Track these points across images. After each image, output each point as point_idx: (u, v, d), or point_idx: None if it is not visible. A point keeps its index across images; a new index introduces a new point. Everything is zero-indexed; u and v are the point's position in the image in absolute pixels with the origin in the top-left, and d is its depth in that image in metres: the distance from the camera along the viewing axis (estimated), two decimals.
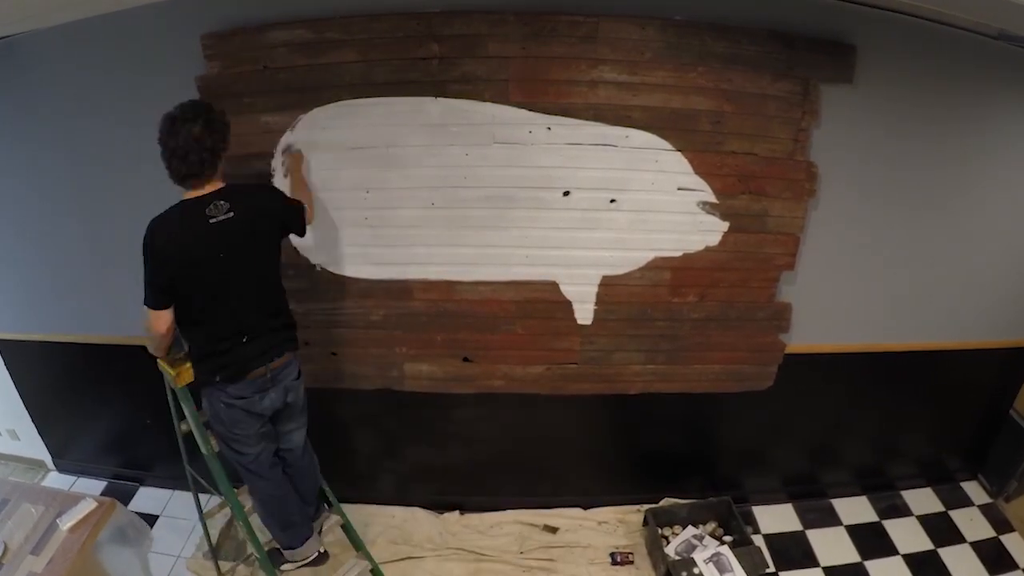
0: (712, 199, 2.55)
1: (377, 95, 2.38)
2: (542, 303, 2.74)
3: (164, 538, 3.16)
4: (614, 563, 3.12)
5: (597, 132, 2.42)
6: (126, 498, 3.41)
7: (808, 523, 3.35)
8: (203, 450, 2.44)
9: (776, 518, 3.38)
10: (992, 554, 3.16)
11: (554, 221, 2.58)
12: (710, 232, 2.61)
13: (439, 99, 2.37)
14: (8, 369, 3.28)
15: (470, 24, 2.26)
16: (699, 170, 2.50)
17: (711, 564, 2.89)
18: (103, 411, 3.35)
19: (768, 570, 3.05)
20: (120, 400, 3.26)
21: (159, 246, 1.99)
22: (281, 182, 2.51)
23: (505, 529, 3.27)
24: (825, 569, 3.10)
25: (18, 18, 2.21)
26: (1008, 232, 2.80)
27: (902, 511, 3.41)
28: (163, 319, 2.08)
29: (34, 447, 3.54)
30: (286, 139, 2.47)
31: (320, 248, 2.66)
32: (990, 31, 2.25)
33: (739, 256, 2.66)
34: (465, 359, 2.89)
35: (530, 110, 2.39)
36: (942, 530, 3.30)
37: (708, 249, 2.64)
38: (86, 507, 2.56)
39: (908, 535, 3.27)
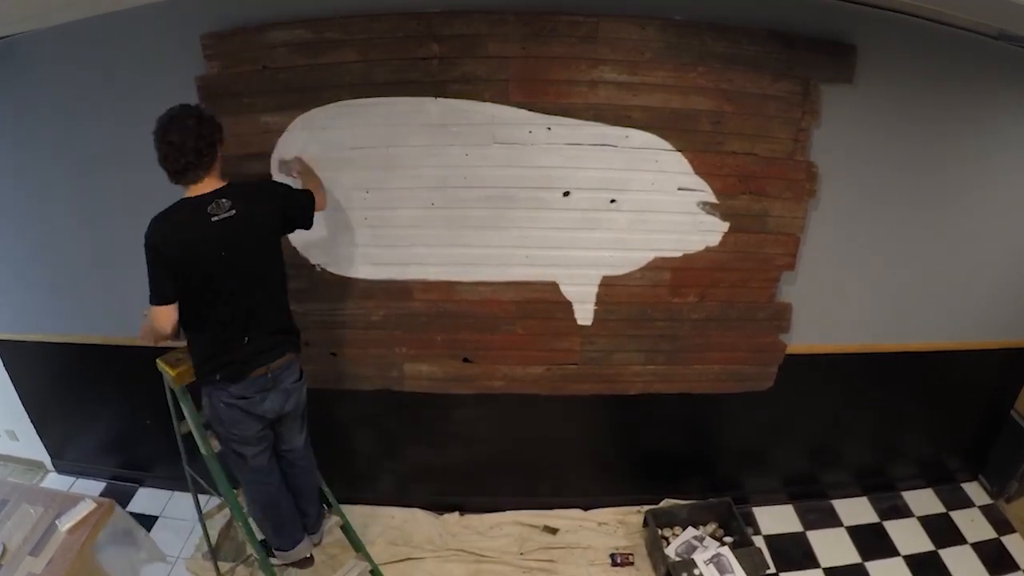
0: (712, 199, 2.54)
1: (377, 95, 2.37)
2: (542, 303, 2.74)
3: (163, 539, 3.14)
4: (614, 564, 3.11)
5: (597, 132, 2.42)
6: (125, 499, 3.40)
7: (809, 524, 3.35)
8: (202, 451, 2.43)
9: (776, 519, 3.37)
10: (993, 555, 3.16)
11: (554, 221, 2.58)
12: (710, 232, 2.61)
13: (439, 99, 2.37)
14: (7, 370, 3.27)
15: (470, 24, 2.26)
16: (699, 170, 2.50)
17: (711, 565, 2.89)
18: (102, 412, 3.34)
19: (769, 571, 3.05)
20: (119, 401, 3.26)
21: (160, 244, 1.98)
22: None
23: (505, 530, 3.26)
24: (826, 570, 3.10)
25: (18, 18, 2.21)
26: (1009, 232, 2.80)
27: (903, 512, 3.41)
28: (167, 316, 2.06)
29: (33, 448, 3.53)
30: (279, 152, 2.48)
31: (320, 248, 2.66)
32: (990, 31, 2.25)
33: (739, 256, 2.66)
34: (465, 359, 2.89)
35: (530, 110, 2.38)
36: (943, 531, 3.29)
37: (708, 249, 2.64)
38: (85, 508, 2.55)
39: (909, 536, 3.27)
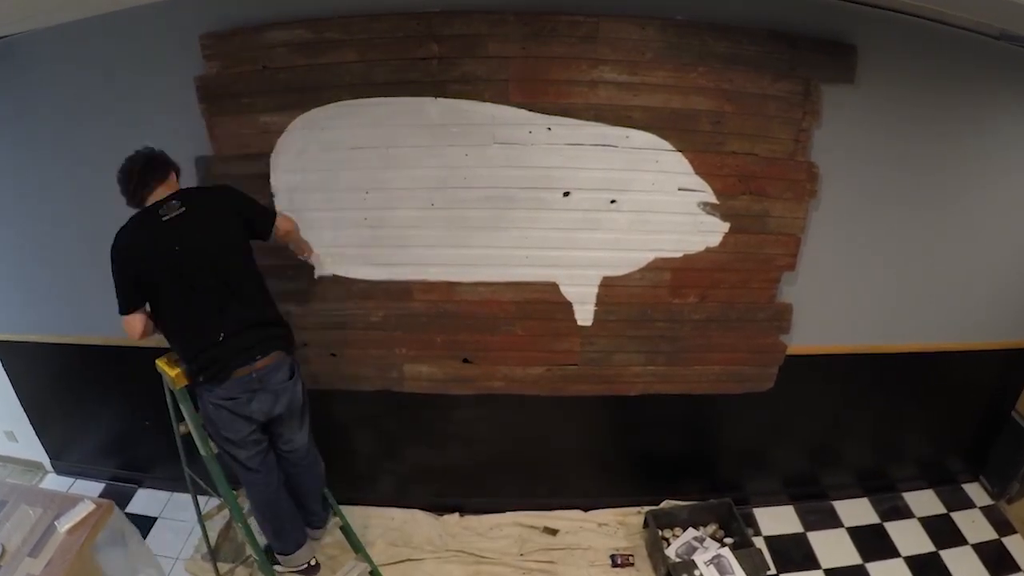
0: (713, 200, 2.54)
1: (377, 95, 2.37)
2: (542, 304, 2.73)
3: (163, 539, 3.15)
4: (614, 565, 3.11)
5: (597, 132, 2.42)
6: (124, 500, 3.40)
7: (809, 525, 3.34)
8: (202, 452, 2.43)
9: (777, 520, 3.37)
10: (994, 556, 3.15)
11: (554, 222, 2.57)
12: (711, 233, 2.61)
13: (439, 99, 2.37)
14: (6, 370, 3.27)
15: (470, 24, 2.26)
16: (700, 170, 2.49)
17: (712, 566, 2.88)
18: (101, 412, 3.34)
19: (769, 572, 3.04)
20: (118, 401, 3.25)
21: (119, 250, 2.09)
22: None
23: (505, 531, 3.26)
24: (826, 571, 3.09)
25: (17, 18, 2.21)
26: (1010, 232, 2.79)
27: (903, 513, 3.40)
28: (134, 324, 2.17)
29: (32, 449, 3.53)
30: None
31: (319, 249, 2.65)
32: (991, 31, 2.25)
33: (740, 257, 2.66)
34: (465, 360, 2.89)
35: (530, 110, 2.38)
36: (944, 532, 3.28)
37: (709, 250, 2.63)
38: (84, 509, 2.55)
39: (909, 537, 3.26)
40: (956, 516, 3.38)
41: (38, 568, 2.38)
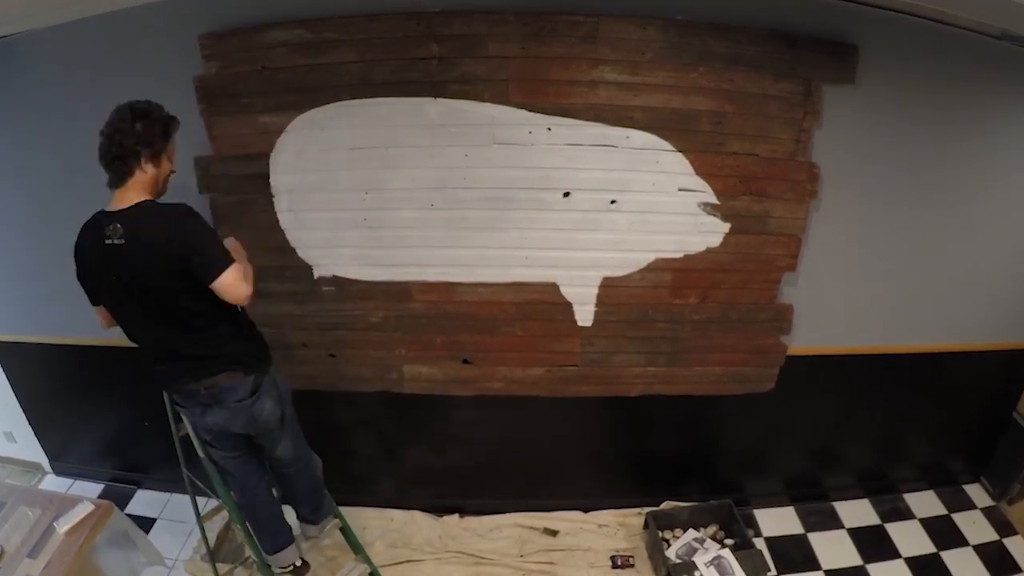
0: (713, 200, 2.53)
1: (376, 95, 2.37)
2: (542, 305, 2.73)
3: (162, 541, 3.13)
4: (615, 566, 3.10)
5: (597, 133, 2.41)
6: (123, 501, 3.39)
7: (810, 526, 3.33)
8: (200, 453, 2.43)
9: (778, 521, 3.36)
10: (995, 557, 3.14)
11: (554, 222, 2.56)
12: (711, 233, 2.60)
13: (438, 99, 2.36)
14: (5, 371, 3.26)
15: (470, 24, 2.25)
16: (700, 171, 2.49)
17: (712, 567, 2.88)
18: (100, 414, 3.33)
19: (770, 573, 3.04)
20: (117, 403, 3.25)
21: (75, 255, 2.05)
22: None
23: (505, 532, 3.25)
24: (827, 572, 3.08)
25: (16, 18, 2.20)
26: (1011, 233, 2.78)
27: (904, 514, 3.40)
28: (99, 316, 2.17)
29: (31, 450, 3.52)
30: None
31: (319, 249, 2.65)
32: (993, 31, 2.24)
33: (740, 257, 2.65)
34: (465, 361, 2.88)
35: (530, 110, 2.37)
36: (945, 533, 3.28)
37: (709, 250, 2.63)
38: (83, 510, 2.54)
39: (910, 538, 3.26)
40: (957, 517, 3.37)
41: (37, 569, 2.37)
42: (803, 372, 2.95)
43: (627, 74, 2.32)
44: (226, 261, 1.98)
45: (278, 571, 2.58)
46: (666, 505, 3.30)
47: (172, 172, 2.07)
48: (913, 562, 3.12)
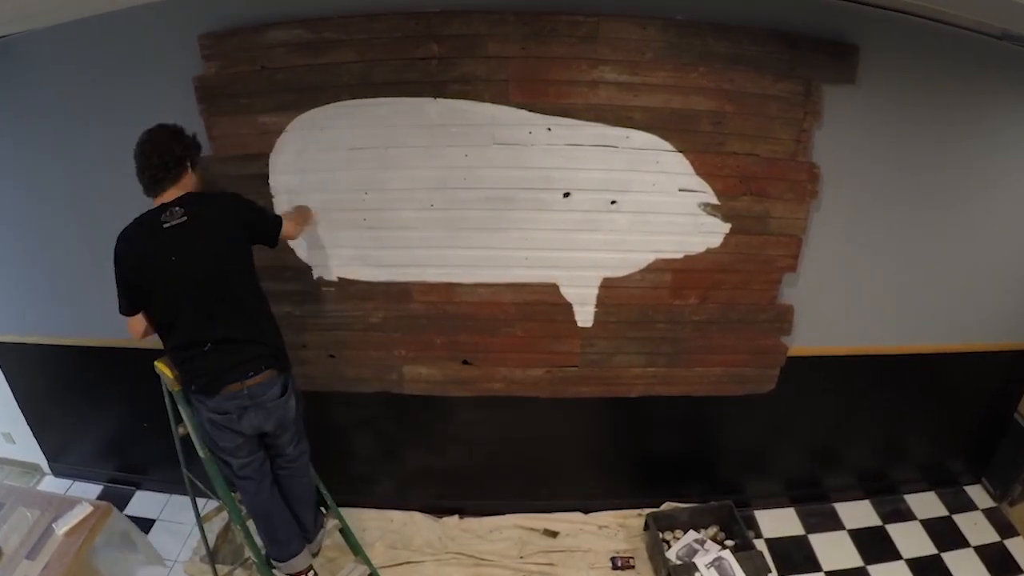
0: (713, 200, 2.53)
1: (376, 95, 2.36)
2: (542, 305, 2.72)
3: (161, 542, 3.13)
4: (615, 567, 3.10)
5: (597, 133, 2.41)
6: (122, 502, 3.39)
7: (810, 527, 3.33)
8: (200, 454, 2.42)
9: (778, 522, 3.36)
10: (996, 558, 3.14)
11: (554, 223, 2.56)
12: (711, 234, 2.59)
13: (438, 99, 2.36)
14: (3, 372, 3.26)
15: (470, 24, 2.25)
16: (700, 171, 2.48)
17: (713, 568, 2.87)
18: (99, 414, 3.33)
19: (770, 574, 3.03)
20: (116, 403, 3.24)
21: (119, 253, 2.09)
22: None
23: (505, 533, 3.25)
24: (827, 573, 3.08)
25: (16, 18, 2.20)
26: (1012, 233, 2.78)
27: (905, 515, 3.39)
28: (134, 325, 2.19)
29: (30, 451, 3.52)
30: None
31: (319, 249, 2.64)
32: (993, 31, 2.24)
33: (741, 258, 2.64)
34: (464, 362, 2.87)
35: (530, 111, 2.37)
36: (946, 534, 3.27)
37: (709, 251, 2.62)
38: (82, 511, 2.54)
39: (911, 539, 3.25)
40: (958, 518, 3.37)
41: (36, 570, 2.37)
42: (804, 373, 2.94)
43: (627, 74, 2.32)
44: (279, 217, 2.33)
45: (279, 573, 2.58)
46: (666, 506, 3.30)
47: None
48: (914, 563, 3.12)
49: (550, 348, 2.83)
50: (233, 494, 2.52)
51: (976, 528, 3.31)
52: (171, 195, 2.10)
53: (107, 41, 2.34)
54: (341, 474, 2.97)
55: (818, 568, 3.11)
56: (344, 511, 2.86)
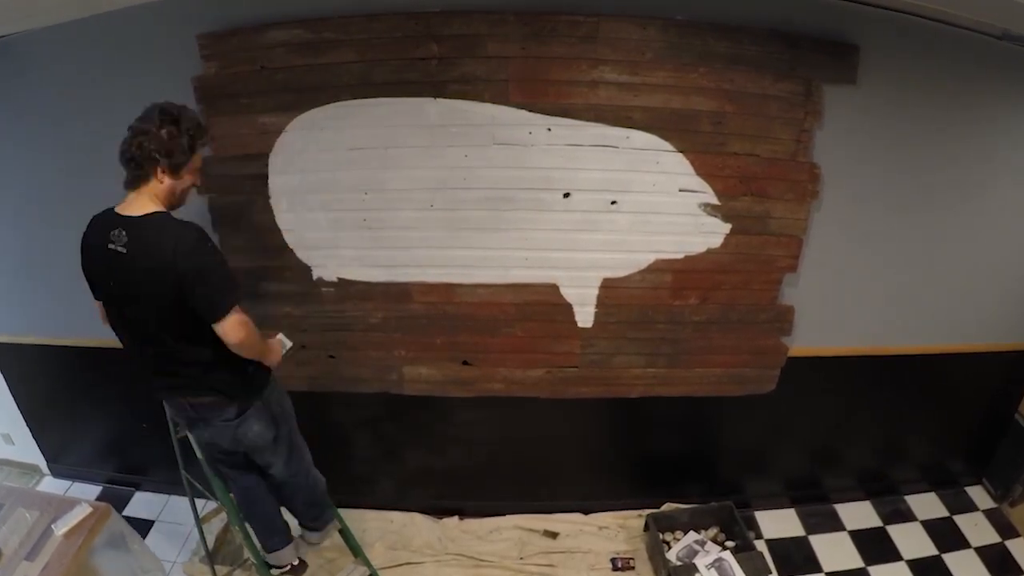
0: (714, 201, 2.53)
1: (376, 96, 2.36)
2: (542, 306, 2.72)
3: (160, 543, 3.13)
4: (615, 568, 3.09)
5: (598, 133, 2.40)
6: (121, 503, 3.38)
7: (811, 528, 3.32)
8: (199, 455, 2.41)
9: (779, 523, 3.35)
10: (997, 559, 3.14)
11: (554, 223, 2.56)
12: (712, 234, 2.59)
13: (438, 100, 2.35)
14: (2, 373, 3.25)
15: (469, 24, 2.24)
16: (701, 171, 2.48)
17: (713, 570, 2.86)
18: (99, 415, 3.32)
19: (770, 575, 3.02)
20: (116, 404, 3.23)
21: (82, 243, 1.97)
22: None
23: (505, 534, 3.24)
24: (828, 574, 3.07)
25: (15, 18, 2.20)
26: (1013, 234, 2.78)
27: (906, 516, 3.39)
28: (99, 309, 2.08)
29: (29, 452, 3.51)
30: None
31: (318, 250, 2.64)
32: (994, 31, 2.24)
33: (741, 258, 2.64)
34: (464, 362, 2.87)
35: (530, 111, 2.37)
36: (946, 535, 3.27)
37: (710, 251, 2.62)
38: (81, 512, 2.54)
39: (912, 540, 3.25)
40: (959, 519, 3.36)
41: (35, 571, 2.37)
42: (804, 373, 2.94)
43: (627, 74, 2.32)
44: (231, 300, 1.87)
45: (276, 572, 2.57)
46: (667, 507, 3.29)
47: (194, 185, 1.97)
48: (915, 564, 3.11)
49: (550, 348, 2.83)
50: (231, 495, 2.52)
51: (977, 529, 3.30)
52: (132, 201, 1.87)
53: (106, 41, 2.34)
54: (341, 475, 2.95)
55: (819, 569, 3.10)
56: (344, 512, 2.85)
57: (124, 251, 1.83)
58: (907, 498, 3.47)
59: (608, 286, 2.68)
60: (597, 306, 2.73)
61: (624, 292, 2.69)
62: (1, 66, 2.42)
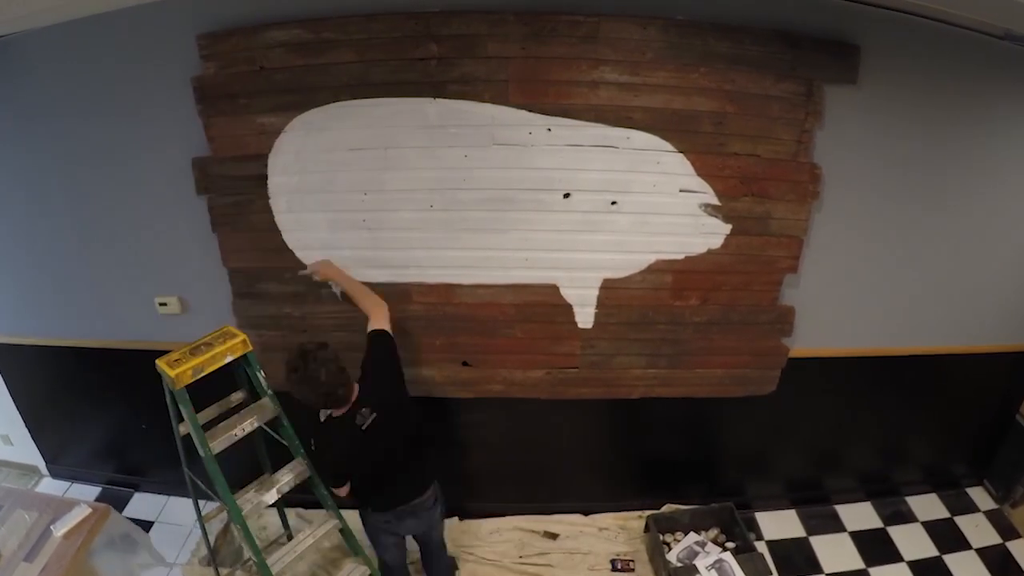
0: (714, 201, 2.52)
1: (375, 96, 2.35)
2: (542, 307, 2.71)
3: (159, 545, 3.12)
4: (615, 570, 3.09)
5: (598, 133, 2.40)
6: (121, 504, 3.38)
7: (812, 529, 3.32)
8: (200, 452, 2.40)
9: (779, 524, 3.35)
10: (998, 561, 3.13)
11: (554, 223, 2.55)
12: (712, 235, 2.58)
13: (438, 100, 2.35)
14: (2, 373, 3.25)
15: (469, 24, 2.24)
16: (701, 172, 2.47)
17: (713, 571, 2.86)
18: (98, 416, 3.32)
19: None
20: (115, 405, 3.23)
21: (333, 456, 2.32)
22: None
23: (505, 535, 3.24)
24: (829, 575, 3.07)
25: (15, 18, 2.19)
26: (1015, 234, 2.77)
27: (907, 517, 3.38)
28: (344, 490, 2.42)
29: (28, 452, 3.51)
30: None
31: (318, 251, 2.63)
32: (995, 31, 2.23)
33: (742, 259, 2.63)
34: (464, 363, 2.86)
35: (530, 111, 2.36)
36: (947, 536, 3.26)
37: (710, 252, 2.61)
38: (80, 513, 2.54)
39: (913, 541, 3.24)
40: (960, 520, 3.36)
41: (34, 572, 2.37)
42: (805, 374, 2.93)
43: (628, 74, 2.31)
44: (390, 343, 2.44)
45: None
46: (667, 508, 3.29)
47: None
48: (915, 565, 3.11)
49: (550, 349, 2.82)
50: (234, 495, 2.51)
51: (978, 530, 3.30)
52: (347, 406, 2.27)
53: (106, 41, 2.33)
54: None
55: (819, 570, 3.10)
56: (345, 513, 2.84)
57: (375, 415, 2.30)
58: (908, 499, 3.47)
59: (608, 287, 2.68)
60: (597, 307, 2.72)
61: (624, 293, 2.69)
62: (1, 66, 2.41)
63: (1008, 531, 3.29)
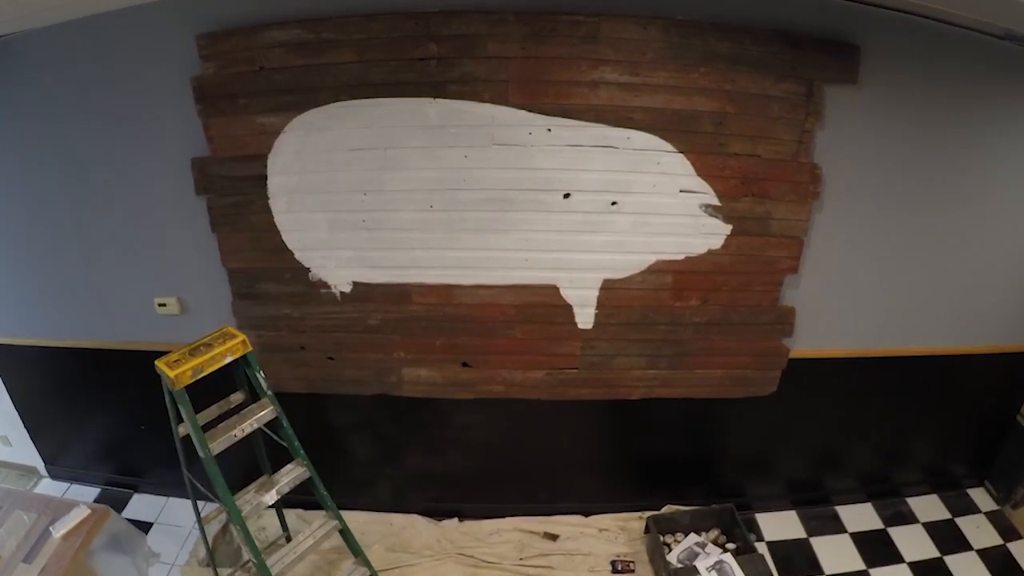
0: (715, 202, 2.52)
1: (375, 96, 2.35)
2: (542, 307, 2.71)
3: (159, 546, 3.12)
4: (615, 571, 3.08)
5: (598, 134, 2.39)
6: (120, 505, 3.37)
7: (812, 530, 3.31)
8: (200, 453, 2.40)
9: (780, 525, 3.34)
10: (999, 562, 3.12)
11: (554, 224, 2.55)
12: (713, 235, 2.58)
13: (437, 100, 2.34)
14: (1, 374, 3.24)
15: (469, 24, 2.24)
16: (701, 172, 2.47)
17: (714, 572, 2.85)
18: (97, 417, 3.31)
19: None
20: (114, 406, 3.22)
21: None
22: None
23: (505, 536, 3.23)
24: None
25: (14, 18, 2.19)
26: (1015, 235, 2.76)
27: (908, 518, 3.38)
28: None
29: (26, 453, 3.50)
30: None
31: (317, 251, 2.63)
32: (996, 31, 2.23)
33: (742, 259, 2.63)
34: (464, 364, 2.86)
35: (530, 111, 2.36)
36: (948, 538, 3.26)
37: (711, 252, 2.61)
38: (79, 514, 2.53)
39: (914, 543, 3.23)
40: (961, 521, 3.35)
41: (33, 574, 2.37)
42: (805, 375, 2.93)
43: (628, 75, 2.31)
44: None
45: None
46: (667, 509, 3.28)
47: None
48: (916, 567, 3.10)
49: (550, 350, 2.82)
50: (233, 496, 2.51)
51: (979, 531, 3.29)
52: None
53: (104, 41, 2.33)
54: (341, 477, 2.95)
55: (820, 571, 3.09)
56: (344, 514, 2.83)
57: None
58: (909, 500, 3.46)
59: (608, 287, 2.67)
60: (597, 307, 2.72)
61: (624, 293, 2.68)
62: (1, 66, 2.41)
63: (1009, 532, 3.28)
